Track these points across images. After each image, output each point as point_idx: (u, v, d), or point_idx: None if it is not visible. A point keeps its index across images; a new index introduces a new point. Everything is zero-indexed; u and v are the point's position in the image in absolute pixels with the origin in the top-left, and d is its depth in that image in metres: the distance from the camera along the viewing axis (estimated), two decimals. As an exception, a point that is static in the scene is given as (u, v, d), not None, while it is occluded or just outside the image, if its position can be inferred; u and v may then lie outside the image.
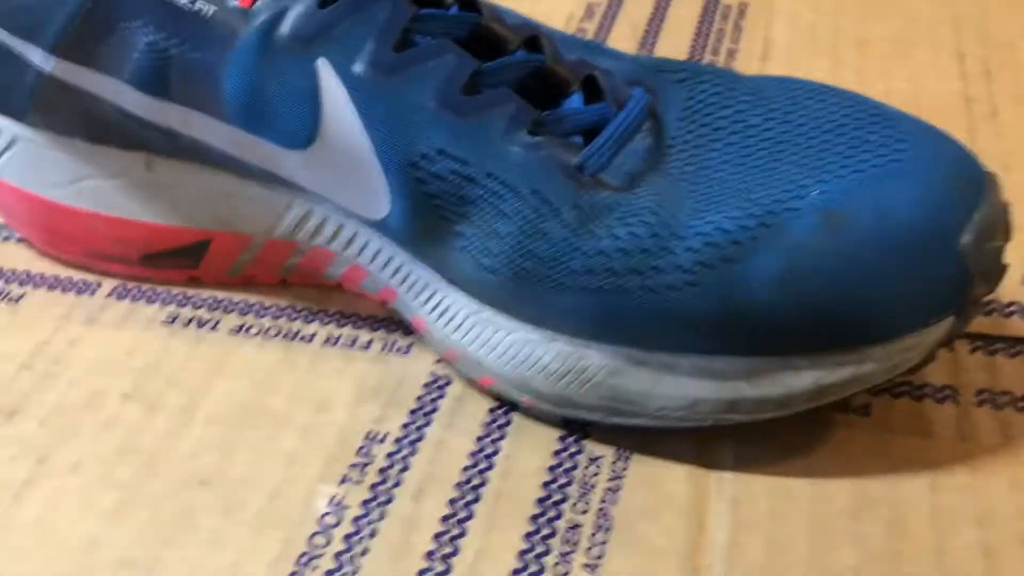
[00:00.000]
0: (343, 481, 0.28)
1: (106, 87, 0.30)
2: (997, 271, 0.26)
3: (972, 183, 0.26)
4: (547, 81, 0.31)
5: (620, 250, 0.26)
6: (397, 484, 0.28)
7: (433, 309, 0.30)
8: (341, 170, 0.29)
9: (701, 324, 0.25)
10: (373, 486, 0.28)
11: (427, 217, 0.28)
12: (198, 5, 0.28)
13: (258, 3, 0.28)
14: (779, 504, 0.27)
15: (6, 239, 0.37)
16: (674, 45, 0.46)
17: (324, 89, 0.28)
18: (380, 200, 0.29)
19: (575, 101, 0.31)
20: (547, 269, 0.26)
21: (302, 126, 0.28)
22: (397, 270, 0.31)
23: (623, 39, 0.46)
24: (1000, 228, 0.26)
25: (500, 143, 0.27)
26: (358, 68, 0.27)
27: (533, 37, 0.32)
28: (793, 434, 0.29)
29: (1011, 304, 0.32)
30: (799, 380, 0.26)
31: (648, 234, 0.26)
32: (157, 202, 0.34)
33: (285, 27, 0.28)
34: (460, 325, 0.30)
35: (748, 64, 0.44)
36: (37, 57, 0.31)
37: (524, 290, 0.27)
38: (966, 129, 0.39)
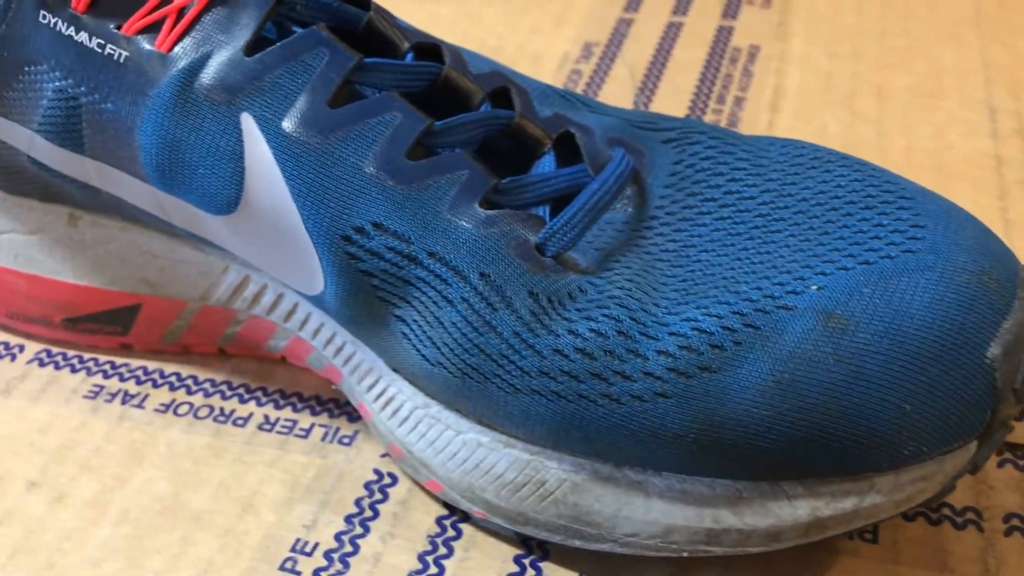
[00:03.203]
0: (261, 601, 0.24)
1: (18, 136, 0.27)
2: (1032, 387, 0.22)
3: (1003, 281, 0.22)
4: (517, 141, 0.27)
5: (580, 350, 0.22)
6: (322, 608, 0.24)
7: (378, 397, 0.26)
8: (269, 240, 0.25)
9: (675, 441, 0.21)
10: (294, 609, 0.24)
11: (364, 298, 0.24)
12: (110, 49, 0.24)
13: (178, 48, 0.24)
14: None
15: (-71, 292, 0.34)
16: (675, 91, 0.42)
17: (248, 149, 0.24)
18: (314, 275, 0.25)
19: (546, 164, 0.27)
20: (496, 367, 0.23)
21: (224, 189, 0.24)
22: (340, 349, 0.27)
23: (619, 84, 0.42)
24: (1036, 337, 0.22)
25: (447, 217, 0.23)
26: (288, 126, 0.24)
27: (502, 89, 0.28)
28: (787, 562, 0.24)
29: (1046, 407, 0.28)
30: (792, 511, 0.22)
31: (614, 331, 0.22)
32: (81, 261, 0.30)
33: (207, 76, 0.24)
34: (405, 419, 0.26)
35: (756, 114, 0.40)
36: (-57, 100, 0.27)
37: (471, 389, 0.23)
38: (997, 195, 0.35)
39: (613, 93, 0.42)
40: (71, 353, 0.32)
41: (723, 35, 0.45)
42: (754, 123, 0.39)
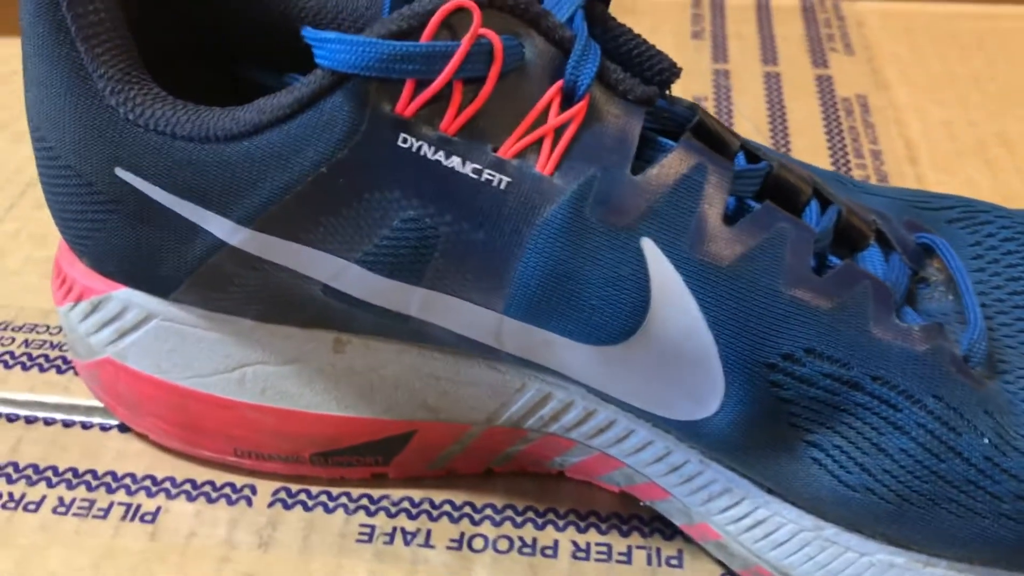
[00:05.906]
0: None
1: (322, 266, 0.24)
2: None
3: None
4: (843, 235, 0.26)
5: (1058, 472, 0.21)
6: None
7: (738, 520, 0.25)
8: (657, 369, 0.23)
9: None
10: None
11: (771, 425, 0.23)
12: (488, 174, 0.22)
13: (561, 170, 0.22)
14: None
15: (104, 430, 0.30)
16: (810, 146, 0.42)
17: (654, 275, 0.22)
18: (704, 403, 0.23)
19: (874, 257, 0.26)
20: (956, 492, 0.22)
21: (619, 319, 0.22)
22: (676, 468, 0.26)
23: (749, 138, 0.42)
24: None
25: (875, 335, 0.22)
26: (692, 248, 0.22)
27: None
28: None
29: None
30: None
31: (1084, 448, 0.22)
32: (347, 390, 0.27)
33: (598, 199, 0.22)
34: (784, 542, 0.24)
35: (899, 169, 0.40)
36: (219, 227, 0.24)
37: (909, 514, 0.22)
38: None
39: (747, 151, 0.41)
40: (315, 489, 0.28)
41: (825, 85, 0.45)
42: (901, 178, 0.40)
